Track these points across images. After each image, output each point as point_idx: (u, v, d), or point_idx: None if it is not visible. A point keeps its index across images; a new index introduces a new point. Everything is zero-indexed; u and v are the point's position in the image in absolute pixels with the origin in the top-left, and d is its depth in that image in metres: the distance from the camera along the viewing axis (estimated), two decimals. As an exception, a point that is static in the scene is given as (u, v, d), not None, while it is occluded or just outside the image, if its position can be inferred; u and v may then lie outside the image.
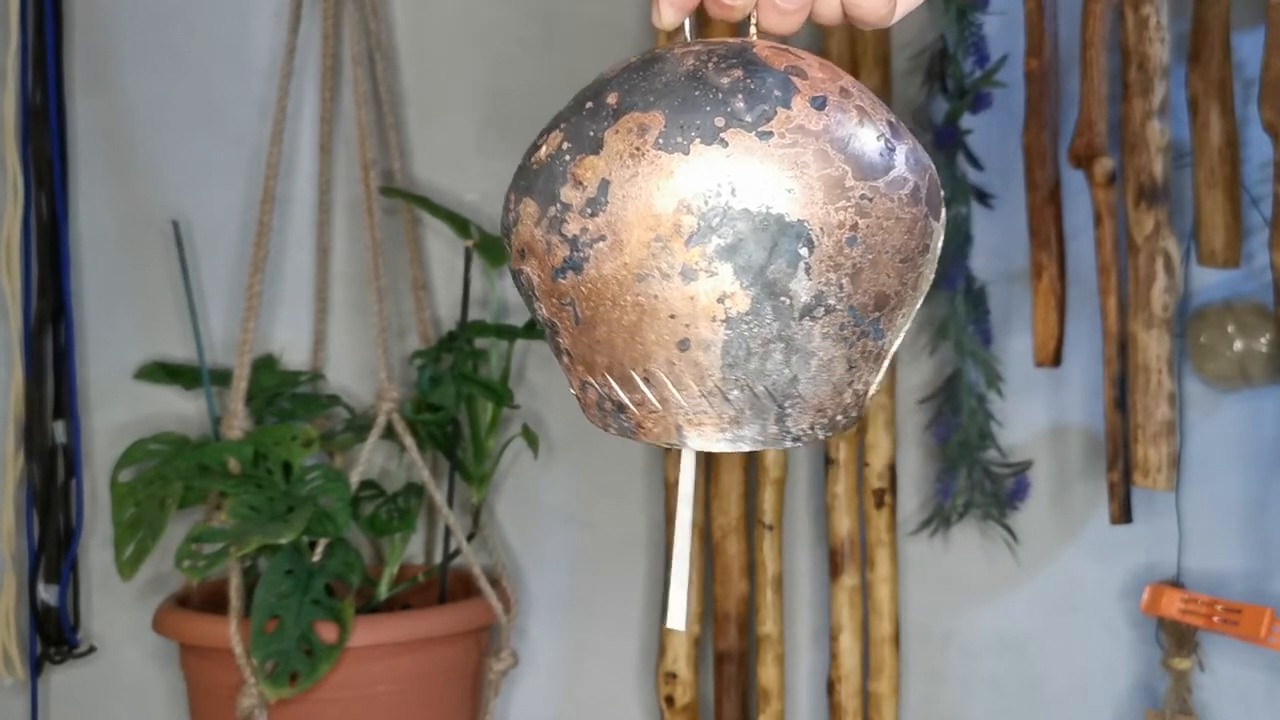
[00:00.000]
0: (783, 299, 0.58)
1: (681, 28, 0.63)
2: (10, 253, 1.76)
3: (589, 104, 0.60)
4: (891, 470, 1.69)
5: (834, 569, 1.70)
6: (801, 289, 0.58)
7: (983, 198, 1.67)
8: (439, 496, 1.66)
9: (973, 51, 1.65)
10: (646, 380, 0.60)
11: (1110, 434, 1.56)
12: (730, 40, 0.62)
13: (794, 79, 0.59)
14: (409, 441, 1.64)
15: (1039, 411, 1.71)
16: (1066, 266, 1.60)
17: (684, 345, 0.59)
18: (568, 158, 0.59)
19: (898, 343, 0.63)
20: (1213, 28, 1.53)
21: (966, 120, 1.66)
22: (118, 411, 1.82)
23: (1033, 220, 1.60)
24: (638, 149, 0.58)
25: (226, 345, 1.80)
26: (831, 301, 0.59)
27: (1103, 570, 1.70)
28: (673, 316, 0.58)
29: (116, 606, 1.82)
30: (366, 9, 1.79)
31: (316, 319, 1.83)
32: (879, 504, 1.69)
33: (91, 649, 1.82)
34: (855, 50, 1.66)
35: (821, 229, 0.58)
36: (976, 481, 1.67)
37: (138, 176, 1.85)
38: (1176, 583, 1.62)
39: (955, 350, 1.66)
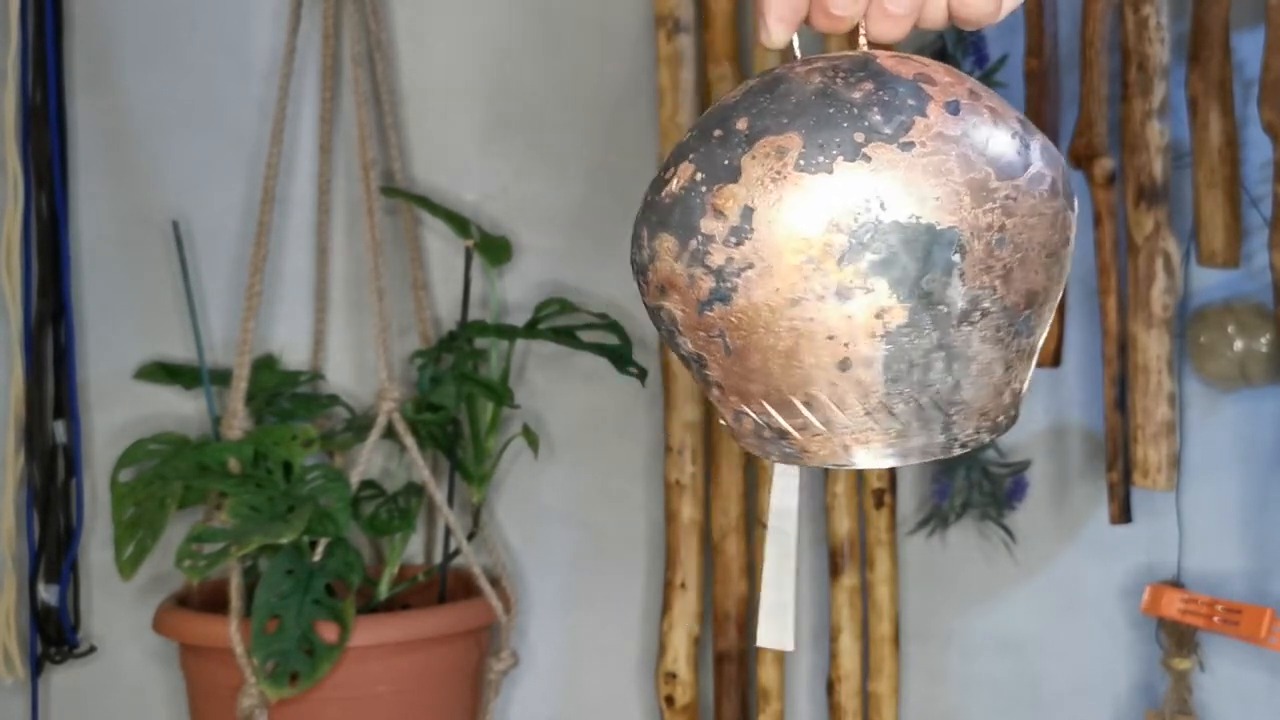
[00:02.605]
0: (940, 308, 0.57)
1: (790, 45, 0.62)
2: (10, 252, 1.76)
3: (717, 131, 0.59)
4: (891, 470, 1.69)
5: (834, 569, 1.70)
6: (957, 295, 0.57)
7: (983, 198, 1.67)
8: (439, 496, 1.66)
9: (972, 51, 1.65)
10: (808, 404, 0.59)
11: (1110, 434, 1.56)
12: (850, 53, 0.61)
13: (924, 86, 0.59)
14: (409, 441, 1.64)
15: (1038, 411, 1.71)
16: (1066, 266, 1.60)
17: (844, 365, 0.58)
18: (704, 188, 0.58)
19: (1044, 335, 0.63)
20: (1212, 28, 1.53)
21: (966, 120, 1.66)
22: (118, 411, 1.82)
23: (1033, 220, 1.60)
24: (779, 172, 0.57)
25: (226, 345, 1.80)
26: (986, 305, 0.58)
27: (1102, 570, 1.70)
28: (831, 338, 0.58)
29: (117, 606, 1.82)
30: (366, 9, 1.79)
31: (316, 319, 1.83)
32: (878, 504, 1.69)
33: (92, 649, 1.82)
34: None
35: (971, 233, 0.57)
36: (974, 481, 1.67)
37: (138, 176, 1.85)
38: (1176, 583, 1.62)
39: (955, 350, 1.66)
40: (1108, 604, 1.70)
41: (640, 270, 0.61)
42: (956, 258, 0.57)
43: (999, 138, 0.59)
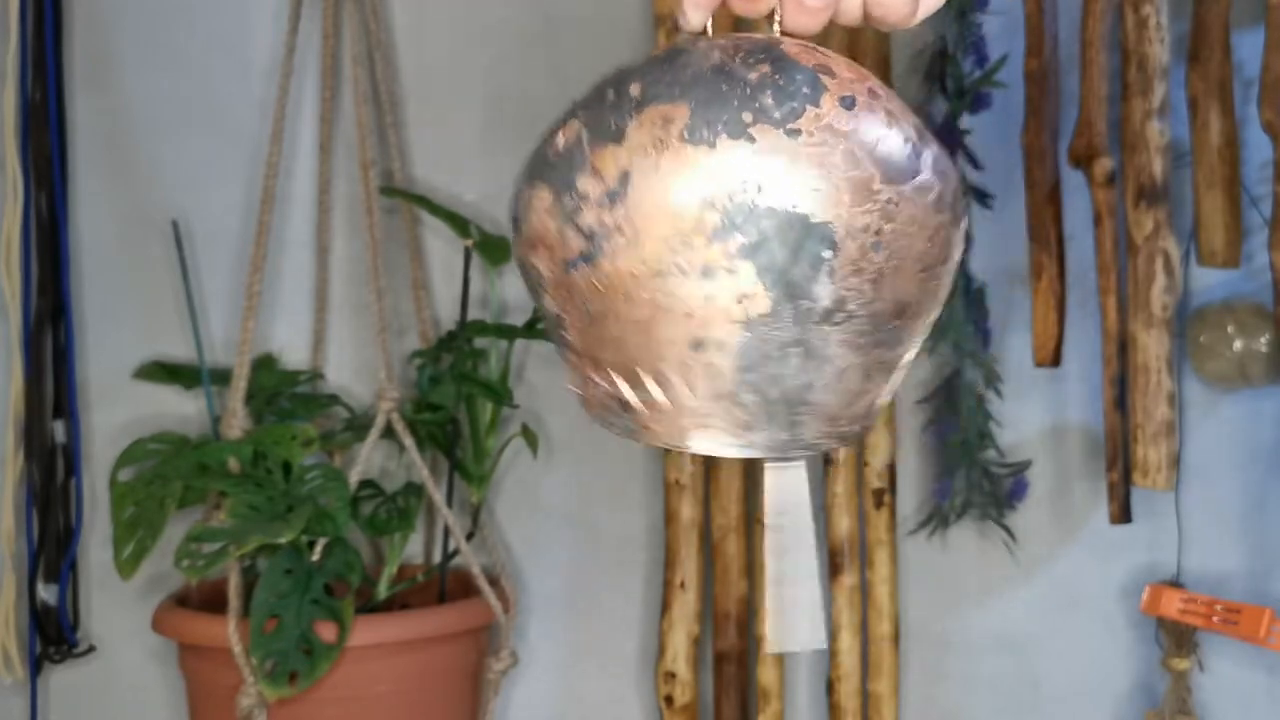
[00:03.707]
0: (803, 302, 0.56)
1: (705, 31, 0.62)
2: (10, 252, 1.76)
3: (610, 93, 0.58)
4: (891, 470, 1.69)
5: (833, 569, 1.70)
6: (823, 292, 0.56)
7: (982, 198, 1.67)
8: (438, 496, 1.66)
9: (972, 51, 1.65)
10: (657, 380, 0.58)
11: (1110, 434, 1.56)
12: (756, 35, 0.60)
13: (823, 77, 0.57)
14: (408, 441, 1.64)
15: (1038, 411, 1.71)
16: (1066, 266, 1.60)
17: (698, 346, 0.57)
18: (587, 147, 0.57)
19: (912, 354, 0.61)
20: (1212, 28, 1.53)
21: (966, 120, 1.66)
22: (117, 411, 1.82)
23: (1032, 220, 1.60)
24: (661, 140, 0.56)
25: (226, 344, 1.80)
26: (852, 307, 0.57)
27: (1102, 570, 1.70)
28: (689, 315, 0.56)
29: (116, 606, 1.82)
30: (366, 9, 1.79)
31: (316, 318, 1.83)
32: (878, 504, 1.69)
33: (91, 648, 1.82)
34: (854, 50, 1.66)
35: (846, 232, 0.56)
36: (975, 481, 1.67)
37: (137, 176, 1.85)
38: (1176, 583, 1.62)
39: (954, 350, 1.66)
40: (1107, 604, 1.70)
41: (514, 221, 0.61)
42: (828, 253, 0.56)
43: (890, 140, 0.57)
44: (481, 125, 1.85)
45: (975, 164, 1.66)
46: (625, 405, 0.59)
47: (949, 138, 1.65)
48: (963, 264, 1.65)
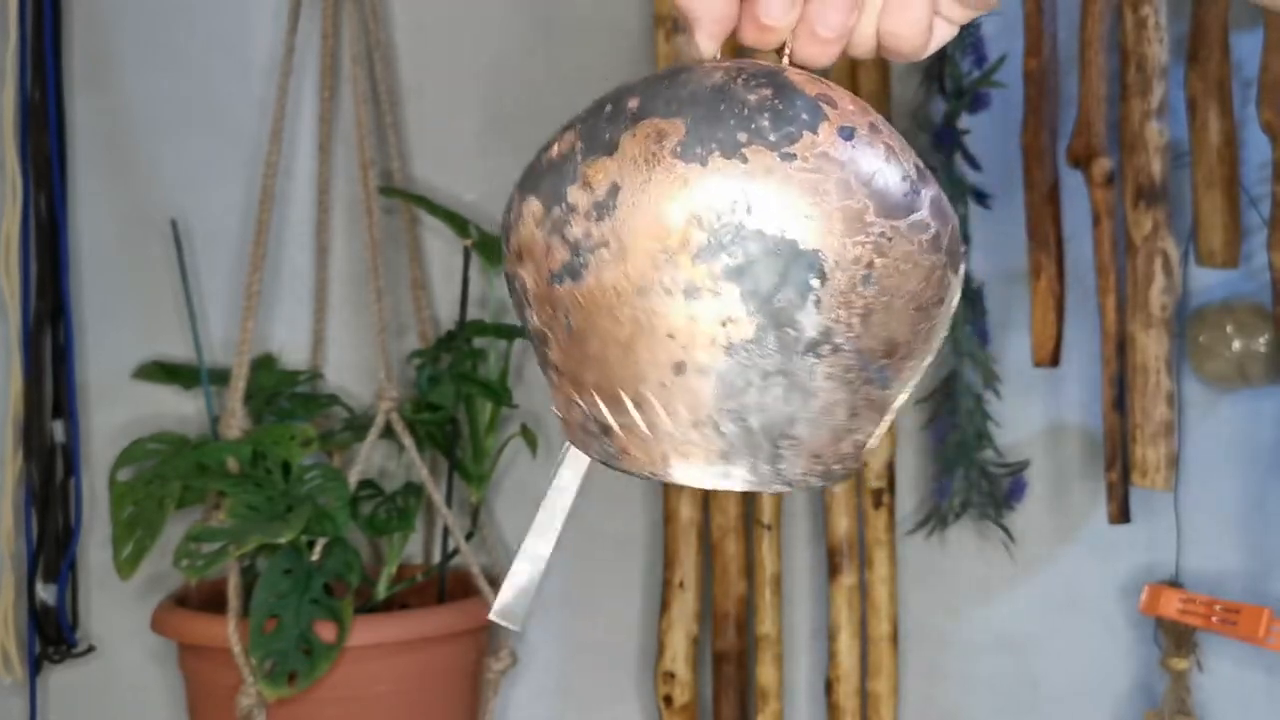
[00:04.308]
0: (788, 330, 0.55)
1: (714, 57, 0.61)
2: (9, 252, 1.76)
3: (608, 107, 0.58)
4: (890, 470, 1.69)
5: (832, 569, 1.70)
6: (809, 322, 0.54)
7: (981, 198, 1.67)
8: (438, 496, 1.66)
9: (971, 51, 1.65)
10: (636, 403, 0.56)
11: (1109, 434, 1.56)
12: (762, 62, 0.59)
13: (824, 106, 0.56)
14: (408, 441, 1.64)
15: (1037, 411, 1.71)
16: (1065, 267, 1.60)
17: (679, 369, 0.55)
18: (579, 158, 0.56)
19: (903, 397, 0.60)
20: (1211, 28, 1.53)
21: (965, 120, 1.66)
22: (116, 411, 1.82)
23: (1031, 220, 1.60)
24: (653, 155, 0.55)
25: (225, 344, 1.80)
26: (839, 340, 0.55)
27: (1101, 570, 1.70)
28: (670, 336, 0.55)
29: (115, 606, 1.82)
30: (366, 8, 1.79)
31: (315, 318, 1.83)
32: (877, 504, 1.69)
33: (90, 648, 1.82)
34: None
35: (836, 262, 0.54)
36: (974, 481, 1.67)
37: (137, 175, 1.85)
38: (1175, 583, 1.62)
39: (953, 350, 1.67)
40: (1106, 604, 1.70)
41: (504, 232, 0.59)
42: (815, 282, 0.54)
43: (888, 174, 0.56)
44: (481, 125, 1.85)
45: (974, 164, 1.66)
46: (605, 429, 0.58)
47: (947, 138, 1.65)
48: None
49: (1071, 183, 1.60)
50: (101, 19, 1.84)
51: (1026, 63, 1.60)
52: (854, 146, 0.56)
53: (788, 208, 0.54)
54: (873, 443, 0.60)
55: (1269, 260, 1.48)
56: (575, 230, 0.56)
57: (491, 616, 0.64)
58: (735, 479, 0.57)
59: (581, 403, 0.58)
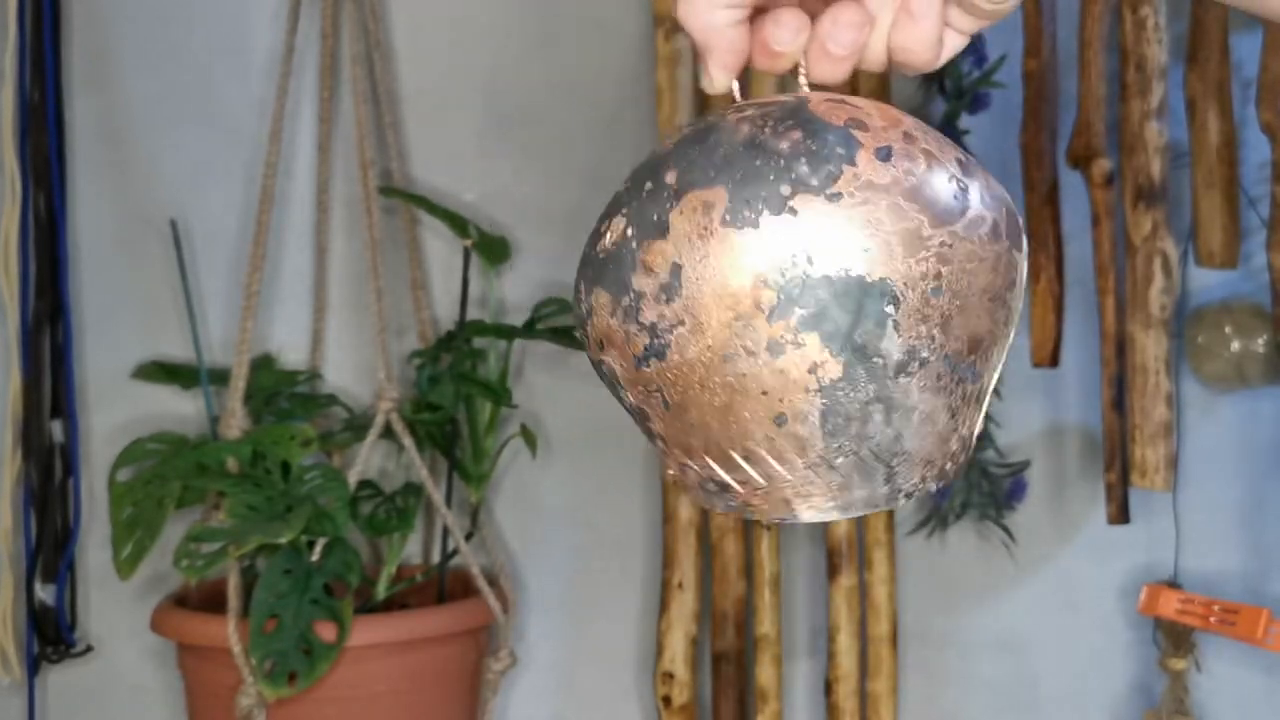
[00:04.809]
0: (875, 360, 0.56)
1: (731, 92, 0.61)
2: (8, 252, 1.76)
3: (648, 184, 0.58)
4: (889, 470, 1.69)
5: (831, 569, 1.70)
6: (893, 347, 0.56)
7: (981, 198, 1.67)
8: (437, 496, 1.66)
9: (971, 52, 1.65)
10: (747, 458, 0.58)
11: (1108, 434, 1.56)
12: (784, 98, 0.59)
13: (855, 132, 0.57)
14: (407, 441, 1.64)
15: (1036, 412, 1.71)
16: (1064, 267, 1.60)
17: (780, 420, 0.57)
18: (634, 244, 0.57)
19: (995, 378, 0.61)
20: (1211, 29, 1.53)
21: (964, 121, 1.66)
22: (116, 411, 1.82)
23: (1031, 221, 1.60)
24: (705, 228, 0.56)
25: (225, 344, 1.80)
26: (925, 355, 0.57)
27: (1100, 570, 1.70)
28: (765, 393, 0.56)
29: (114, 606, 1.82)
30: (365, 8, 1.79)
31: (315, 318, 1.83)
32: (877, 504, 1.69)
33: (89, 649, 1.82)
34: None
35: (905, 284, 0.56)
36: (973, 482, 1.68)
37: (136, 175, 1.85)
38: (1174, 583, 1.63)
39: (953, 350, 1.67)
40: (1105, 604, 1.70)
41: (580, 323, 0.61)
42: (890, 309, 0.56)
43: (934, 183, 0.57)
44: (480, 125, 1.85)
45: (974, 165, 1.66)
46: (724, 486, 0.59)
47: (947, 138, 1.65)
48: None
49: (1071, 183, 1.60)
50: (101, 19, 1.84)
51: (1026, 63, 1.60)
52: (894, 165, 0.56)
53: (846, 246, 0.55)
54: (978, 430, 0.61)
55: (1268, 261, 1.48)
56: (648, 315, 0.57)
57: None
58: (857, 505, 0.59)
59: (695, 466, 0.60)
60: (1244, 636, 1.52)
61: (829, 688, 1.70)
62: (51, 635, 1.78)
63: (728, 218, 0.56)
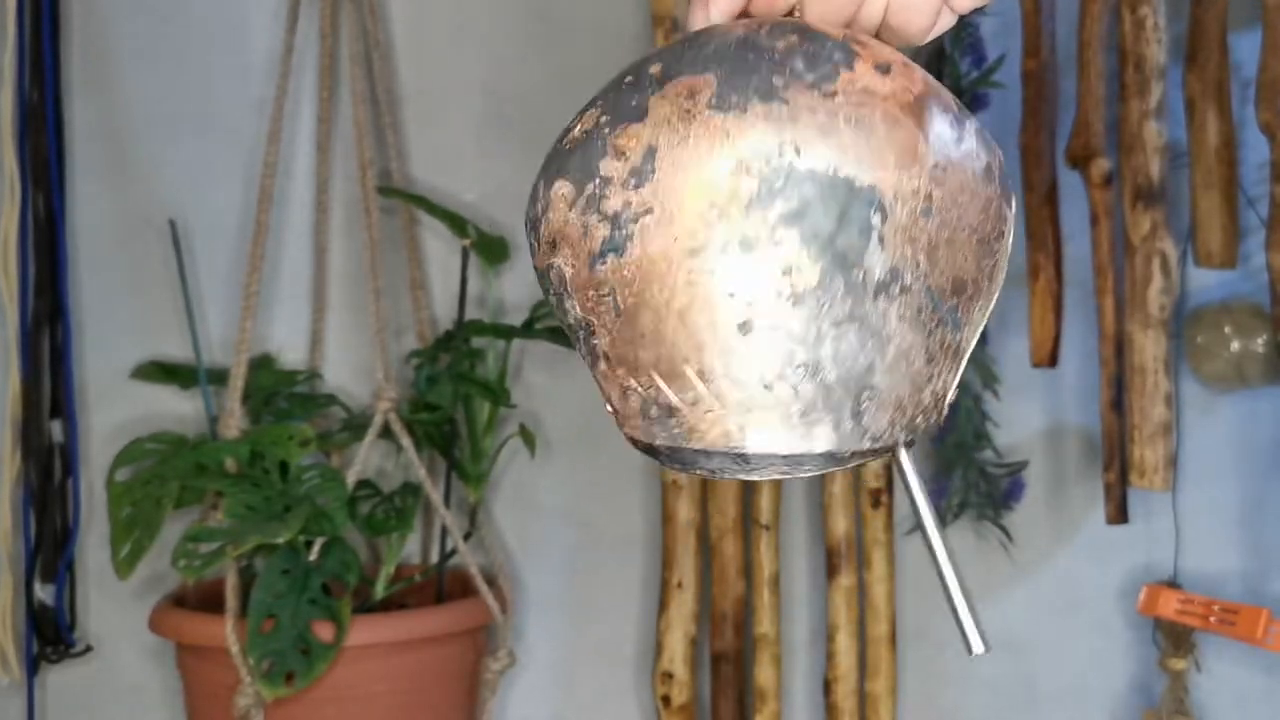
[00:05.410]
0: (855, 272, 0.52)
1: None
2: (8, 252, 1.76)
3: (629, 78, 0.55)
4: (888, 470, 1.69)
5: (831, 569, 1.70)
6: (875, 262, 0.52)
7: (980, 198, 1.67)
8: (436, 496, 1.66)
9: (970, 52, 1.65)
10: (701, 374, 0.53)
11: (1107, 434, 1.56)
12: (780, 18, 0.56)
13: (855, 46, 0.54)
14: (406, 441, 1.64)
15: (1035, 412, 1.71)
16: (1063, 267, 1.60)
17: (745, 328, 0.52)
18: (607, 130, 0.53)
19: (974, 339, 0.57)
20: (1210, 29, 1.53)
21: (964, 121, 1.66)
22: (115, 411, 1.82)
23: (1030, 221, 1.60)
24: (688, 111, 0.52)
25: (224, 344, 1.80)
26: (908, 279, 0.52)
27: (1099, 570, 1.70)
28: (731, 295, 0.52)
29: (113, 606, 1.82)
30: (364, 8, 1.79)
31: (314, 318, 1.83)
32: (875, 504, 1.69)
33: (88, 648, 1.82)
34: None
35: (895, 195, 0.52)
36: (972, 482, 1.67)
37: (135, 176, 1.85)
38: (1173, 583, 1.62)
39: (952, 350, 1.67)
40: (1104, 604, 1.70)
41: (533, 226, 0.56)
42: (876, 219, 0.52)
43: (932, 105, 0.54)
44: (479, 125, 1.85)
45: (973, 164, 1.66)
46: (669, 410, 0.54)
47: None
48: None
49: (1070, 183, 1.60)
50: (100, 20, 1.84)
51: (1025, 63, 1.60)
52: (893, 79, 0.53)
53: (838, 145, 0.52)
54: (951, 393, 0.57)
55: (1267, 261, 1.48)
56: (613, 203, 0.53)
57: (975, 652, 0.61)
58: (819, 438, 0.53)
59: (639, 387, 0.55)
60: (1244, 636, 1.52)
61: (828, 687, 1.70)
62: (51, 635, 1.78)
63: (714, 102, 0.52)
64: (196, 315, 1.78)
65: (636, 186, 0.52)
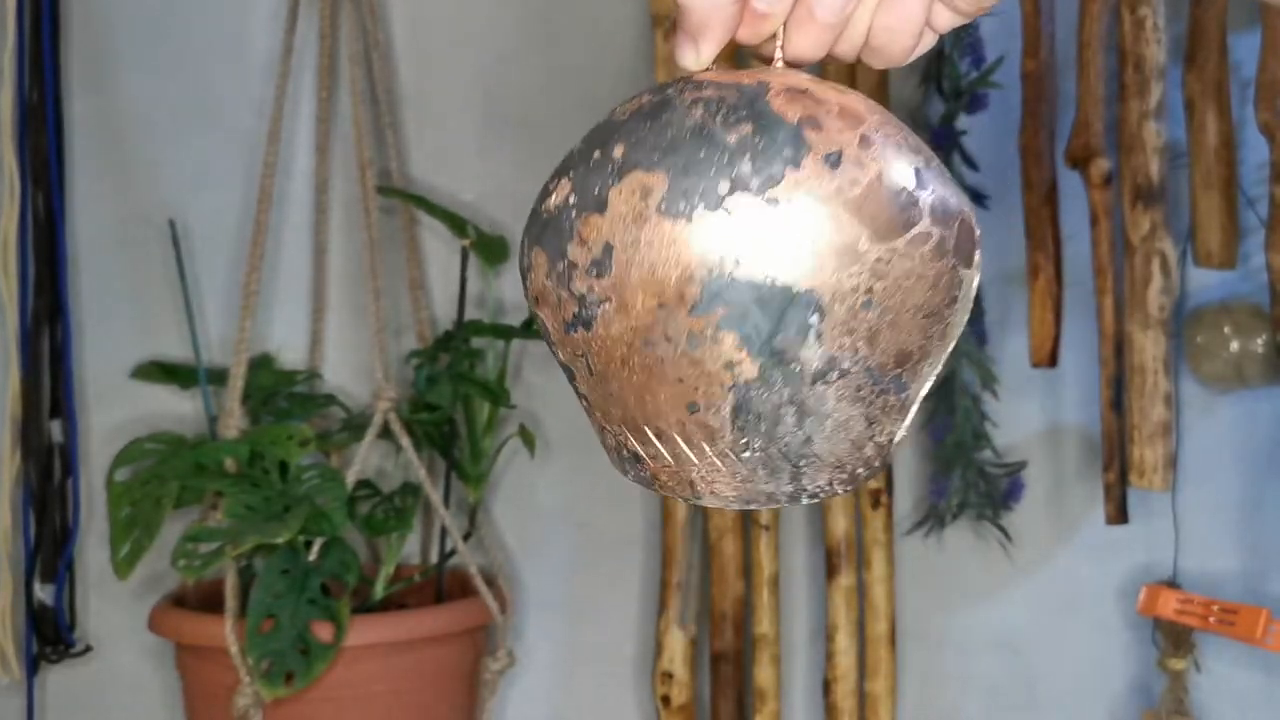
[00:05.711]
0: (792, 365, 0.56)
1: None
2: (7, 252, 1.76)
3: (596, 153, 0.58)
4: (888, 470, 1.69)
5: (830, 569, 1.70)
6: (812, 355, 0.56)
7: (978, 199, 1.67)
8: (435, 496, 1.66)
9: (969, 52, 1.65)
10: (659, 437, 0.59)
11: (1106, 434, 1.56)
12: (745, 80, 0.58)
13: (807, 133, 0.56)
14: (405, 441, 1.64)
15: (1035, 412, 1.71)
16: (1063, 267, 1.60)
17: (693, 408, 0.57)
18: (574, 213, 0.58)
19: (925, 390, 0.61)
20: (1209, 29, 1.53)
21: (963, 121, 1.66)
22: (114, 411, 1.82)
23: (1029, 221, 1.60)
24: (640, 214, 0.56)
25: (223, 344, 1.80)
26: (846, 365, 0.56)
27: (1099, 571, 1.70)
28: (680, 380, 0.57)
29: (113, 606, 1.82)
30: (364, 8, 1.79)
31: (313, 318, 1.83)
32: (875, 504, 1.69)
33: (88, 648, 1.82)
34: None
35: (833, 296, 0.55)
36: (971, 482, 1.67)
37: (135, 175, 1.85)
38: (1173, 583, 1.62)
39: (950, 351, 1.66)
40: (1104, 604, 1.70)
41: (523, 275, 0.61)
42: (814, 319, 0.55)
43: (880, 196, 0.56)
44: (479, 125, 1.85)
45: (972, 165, 1.66)
46: (636, 457, 0.60)
47: (945, 139, 1.65)
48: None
49: (1069, 183, 1.60)
50: (99, 19, 1.84)
51: (1024, 63, 1.60)
52: (841, 174, 0.56)
53: (776, 254, 0.55)
54: (898, 438, 0.61)
55: (1267, 261, 1.48)
56: (579, 285, 0.57)
57: None
58: (760, 499, 0.59)
59: (612, 431, 0.60)
60: (1243, 636, 1.52)
61: (827, 687, 1.70)
62: (50, 635, 1.78)
63: (663, 206, 0.56)
64: (196, 315, 1.78)
65: (598, 276, 0.57)
